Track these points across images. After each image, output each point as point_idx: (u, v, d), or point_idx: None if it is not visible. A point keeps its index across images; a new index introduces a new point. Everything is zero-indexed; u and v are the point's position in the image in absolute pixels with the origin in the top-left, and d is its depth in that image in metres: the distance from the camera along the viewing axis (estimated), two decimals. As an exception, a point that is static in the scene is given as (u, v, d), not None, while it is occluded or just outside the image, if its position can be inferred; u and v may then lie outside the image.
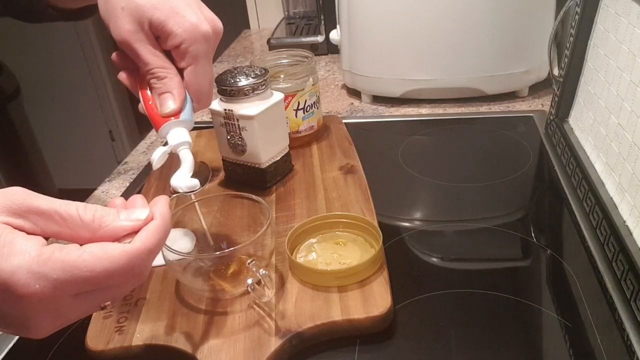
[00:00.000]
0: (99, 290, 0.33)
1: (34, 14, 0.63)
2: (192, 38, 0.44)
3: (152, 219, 0.35)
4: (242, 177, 0.68)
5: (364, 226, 0.56)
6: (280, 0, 1.46)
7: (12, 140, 1.02)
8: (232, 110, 0.63)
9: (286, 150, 0.69)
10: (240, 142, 0.64)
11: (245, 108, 0.62)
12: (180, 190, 0.47)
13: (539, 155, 0.75)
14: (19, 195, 0.31)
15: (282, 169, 0.69)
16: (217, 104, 0.64)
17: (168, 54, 0.47)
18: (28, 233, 0.31)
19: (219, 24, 0.46)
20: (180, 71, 0.47)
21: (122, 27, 0.44)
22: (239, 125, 0.63)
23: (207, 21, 0.45)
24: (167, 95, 0.46)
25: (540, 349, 0.46)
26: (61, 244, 0.31)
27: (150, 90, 0.47)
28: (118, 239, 0.34)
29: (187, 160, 0.47)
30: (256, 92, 0.62)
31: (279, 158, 0.68)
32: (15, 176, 1.00)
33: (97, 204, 0.34)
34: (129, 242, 0.33)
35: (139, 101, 0.49)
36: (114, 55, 0.49)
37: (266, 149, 0.65)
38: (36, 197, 0.32)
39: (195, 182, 0.47)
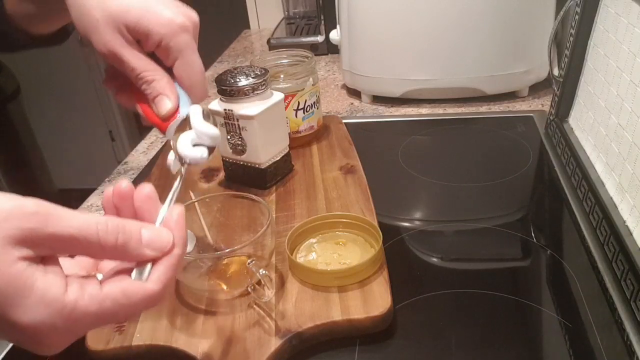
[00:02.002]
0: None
1: (5, 42, 0.61)
2: (171, 32, 0.43)
3: (173, 248, 0.34)
4: (242, 177, 0.68)
5: (364, 226, 0.56)
6: (280, 0, 1.46)
7: (12, 140, 1.02)
8: (232, 110, 0.63)
9: (286, 150, 0.69)
10: (240, 142, 0.64)
11: (245, 108, 0.62)
12: (188, 160, 0.44)
13: (539, 155, 0.75)
14: (33, 220, 0.29)
15: (282, 169, 0.69)
16: (217, 104, 0.64)
17: (155, 59, 0.46)
18: (45, 259, 0.30)
19: (193, 14, 0.46)
20: (170, 71, 0.46)
21: (103, 37, 0.44)
22: (239, 125, 0.63)
23: (181, 14, 0.44)
24: (161, 97, 0.45)
25: (540, 349, 0.46)
26: (81, 281, 0.31)
27: (146, 99, 0.47)
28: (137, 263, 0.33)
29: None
30: (256, 92, 0.62)
31: (279, 158, 0.68)
32: (15, 176, 1.00)
33: (116, 220, 0.32)
34: (147, 282, 0.32)
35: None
36: (105, 81, 0.49)
37: (266, 149, 0.65)
38: (53, 222, 0.30)
39: (203, 150, 0.44)
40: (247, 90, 0.62)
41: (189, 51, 0.44)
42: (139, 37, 0.44)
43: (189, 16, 0.45)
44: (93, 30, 0.44)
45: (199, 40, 0.47)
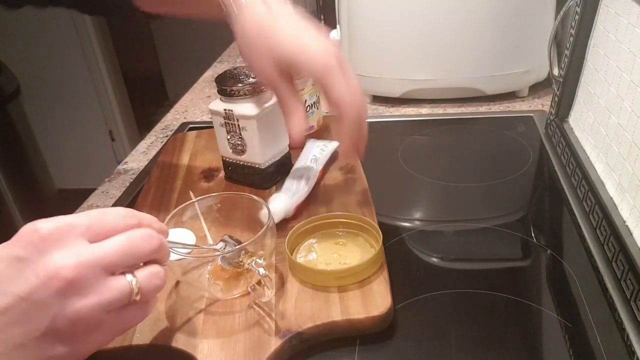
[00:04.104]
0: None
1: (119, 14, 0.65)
2: (318, 74, 0.50)
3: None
4: (242, 177, 0.68)
5: (364, 226, 0.56)
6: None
7: (12, 140, 1.02)
8: (232, 110, 0.62)
9: (286, 151, 0.69)
10: (240, 142, 0.64)
11: (245, 108, 0.62)
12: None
13: (539, 155, 0.75)
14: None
15: (282, 169, 0.69)
16: (217, 104, 0.64)
17: None
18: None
19: (336, 49, 0.51)
20: None
21: (264, 69, 0.52)
22: (239, 125, 0.63)
23: (327, 53, 0.50)
24: (292, 125, 0.54)
25: (540, 349, 0.46)
26: None
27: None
28: None
29: None
30: (256, 92, 0.62)
31: (279, 158, 0.68)
32: (15, 176, 1.00)
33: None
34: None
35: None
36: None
37: (266, 149, 0.65)
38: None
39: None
40: (247, 90, 0.62)
41: (334, 88, 0.50)
42: (291, 72, 0.52)
43: (333, 53, 0.50)
44: (256, 59, 0.52)
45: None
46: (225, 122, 0.64)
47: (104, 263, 0.33)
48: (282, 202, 0.59)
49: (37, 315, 0.31)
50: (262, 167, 0.66)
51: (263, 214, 0.54)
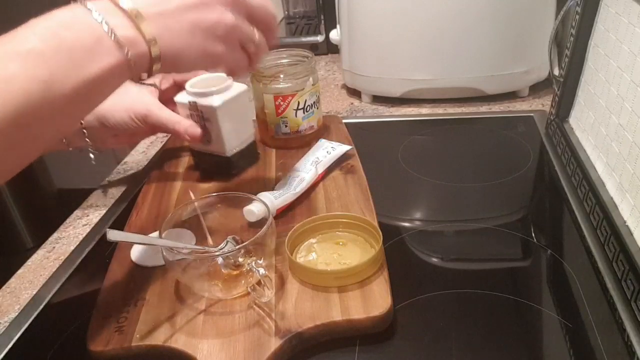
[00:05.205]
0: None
1: None
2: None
3: None
4: (209, 166, 0.71)
5: (364, 226, 0.56)
6: (280, 0, 1.45)
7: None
8: (195, 102, 0.65)
9: (251, 139, 0.72)
10: (205, 133, 0.66)
11: (209, 100, 0.64)
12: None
13: (539, 155, 0.75)
14: None
15: (248, 158, 0.72)
16: (182, 96, 0.67)
17: None
18: None
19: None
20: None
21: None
22: (203, 116, 0.65)
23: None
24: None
25: (541, 350, 0.46)
26: None
27: None
28: None
29: None
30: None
31: (244, 147, 0.70)
32: (15, 176, 0.99)
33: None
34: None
35: None
36: None
37: (230, 139, 0.68)
38: None
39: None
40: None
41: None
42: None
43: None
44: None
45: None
46: (190, 114, 0.66)
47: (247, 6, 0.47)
48: (266, 201, 0.58)
49: (207, 13, 0.44)
50: (228, 156, 0.68)
51: (246, 210, 0.55)
